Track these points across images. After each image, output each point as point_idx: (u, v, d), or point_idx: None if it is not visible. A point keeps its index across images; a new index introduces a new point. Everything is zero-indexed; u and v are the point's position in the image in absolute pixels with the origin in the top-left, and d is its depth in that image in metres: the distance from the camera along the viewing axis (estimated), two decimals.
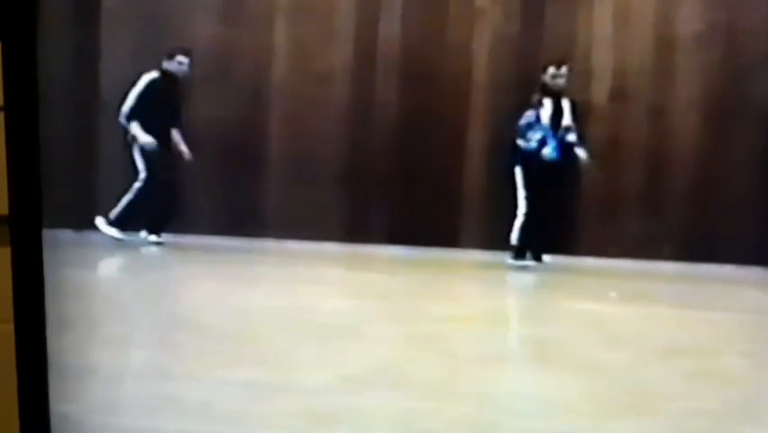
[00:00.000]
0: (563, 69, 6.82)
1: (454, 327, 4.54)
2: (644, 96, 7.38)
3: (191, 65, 7.00)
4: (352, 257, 7.07)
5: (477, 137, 7.38)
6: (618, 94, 7.36)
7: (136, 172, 6.91)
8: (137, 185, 6.87)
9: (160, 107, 6.89)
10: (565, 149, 6.74)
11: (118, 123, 6.93)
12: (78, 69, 6.56)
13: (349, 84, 7.54)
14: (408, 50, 7.46)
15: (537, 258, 6.81)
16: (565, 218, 6.97)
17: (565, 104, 6.78)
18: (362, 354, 3.87)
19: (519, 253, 6.76)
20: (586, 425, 3.05)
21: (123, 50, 6.97)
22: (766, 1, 7.34)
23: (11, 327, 1.97)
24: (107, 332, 3.77)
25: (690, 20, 7.27)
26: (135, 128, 6.84)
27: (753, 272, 6.63)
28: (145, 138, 6.83)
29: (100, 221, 6.73)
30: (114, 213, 6.75)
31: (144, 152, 6.87)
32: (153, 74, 6.92)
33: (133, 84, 6.87)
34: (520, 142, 6.75)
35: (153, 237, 6.86)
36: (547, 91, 6.78)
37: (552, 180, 6.72)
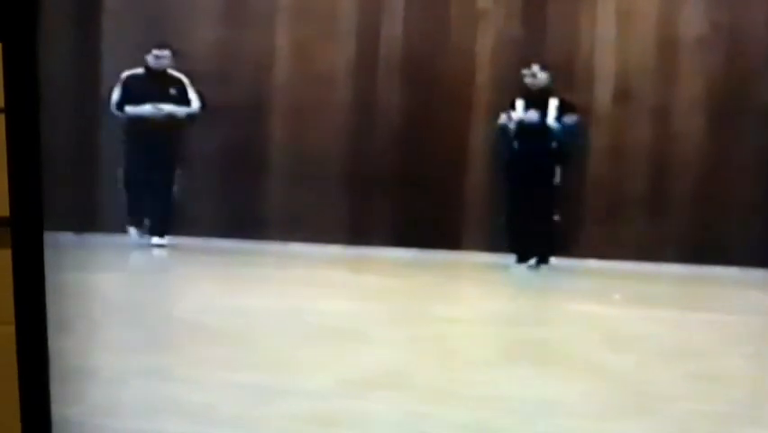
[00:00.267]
0: (533, 69, 6.80)
1: (457, 330, 4.53)
2: (647, 98, 7.36)
3: (172, 57, 6.91)
4: (355, 259, 7.06)
5: (480, 138, 7.37)
6: (621, 95, 7.35)
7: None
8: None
9: (144, 102, 6.89)
10: (549, 153, 6.69)
11: (120, 123, 6.92)
12: (79, 70, 6.56)
13: (351, 85, 7.53)
14: (410, 51, 7.45)
15: (542, 260, 6.79)
16: (546, 220, 6.90)
17: (552, 104, 6.73)
18: (365, 356, 3.86)
19: (521, 255, 6.76)
20: (589, 427, 3.04)
21: (124, 52, 6.96)
22: None
23: (12, 329, 1.97)
24: (108, 334, 3.77)
25: (693, 21, 7.25)
26: (132, 109, 6.86)
27: (757, 274, 6.61)
28: (147, 108, 6.84)
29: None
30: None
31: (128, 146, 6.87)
32: (134, 70, 6.93)
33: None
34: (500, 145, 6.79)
35: (156, 239, 6.86)
36: (526, 92, 6.79)
37: (534, 180, 6.70)
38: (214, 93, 7.30)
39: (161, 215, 6.98)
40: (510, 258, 6.82)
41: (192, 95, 7.03)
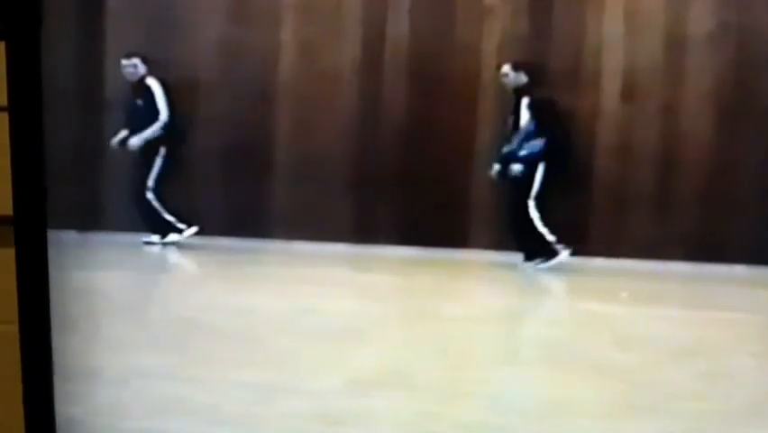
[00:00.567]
0: (504, 69, 6.79)
1: (464, 329, 4.52)
2: (654, 96, 7.34)
3: (139, 65, 6.88)
4: (360, 258, 7.05)
5: (486, 137, 7.35)
6: (629, 93, 7.33)
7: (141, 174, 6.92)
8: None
9: (129, 116, 6.88)
10: (526, 161, 6.66)
11: (124, 123, 6.91)
12: (83, 69, 6.56)
13: (356, 84, 7.52)
14: (416, 49, 7.44)
15: (548, 256, 6.77)
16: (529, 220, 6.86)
17: (524, 103, 6.70)
18: (371, 355, 3.85)
19: (528, 254, 6.75)
20: (596, 426, 3.03)
21: (127, 51, 6.96)
22: None
23: (15, 329, 1.96)
24: (113, 333, 3.76)
25: (701, 19, 7.23)
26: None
27: (765, 272, 6.59)
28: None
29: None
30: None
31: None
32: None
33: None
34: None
35: (155, 238, 6.84)
36: (512, 94, 6.79)
37: (513, 181, 6.69)
38: (218, 92, 7.30)
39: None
40: (517, 256, 6.82)
41: (161, 104, 6.92)
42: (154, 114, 6.88)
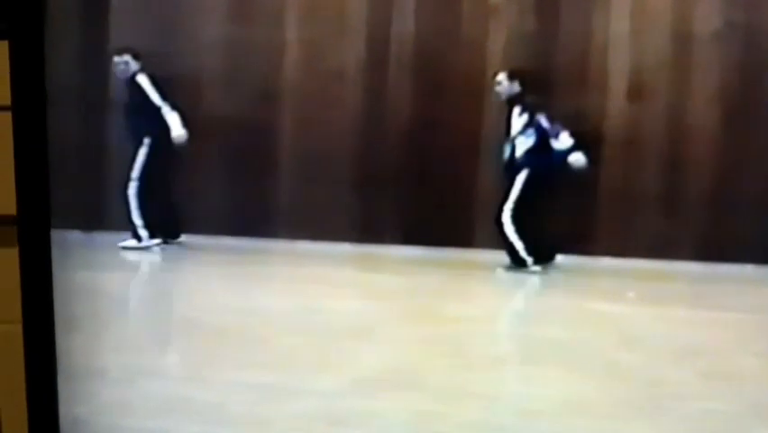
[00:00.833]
0: (499, 77, 6.76)
1: (468, 328, 4.51)
2: (661, 95, 7.32)
3: (130, 62, 6.70)
4: (365, 258, 7.04)
5: (491, 136, 7.34)
6: (635, 92, 7.31)
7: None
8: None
9: (126, 113, 6.78)
10: (515, 163, 6.64)
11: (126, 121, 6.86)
12: (86, 67, 6.55)
13: (361, 83, 7.51)
14: (422, 48, 7.42)
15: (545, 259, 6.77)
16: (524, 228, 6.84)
17: (515, 112, 6.68)
18: (375, 355, 3.84)
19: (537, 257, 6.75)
20: (603, 426, 3.02)
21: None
22: None
23: (19, 328, 1.96)
24: (116, 333, 3.76)
25: (708, 18, 7.21)
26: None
27: None
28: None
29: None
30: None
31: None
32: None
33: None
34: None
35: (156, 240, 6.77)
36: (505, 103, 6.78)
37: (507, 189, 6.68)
38: (221, 91, 7.29)
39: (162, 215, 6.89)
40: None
41: (154, 96, 6.83)
42: (148, 110, 6.79)
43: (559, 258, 6.82)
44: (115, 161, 7.00)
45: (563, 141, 6.64)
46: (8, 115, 1.90)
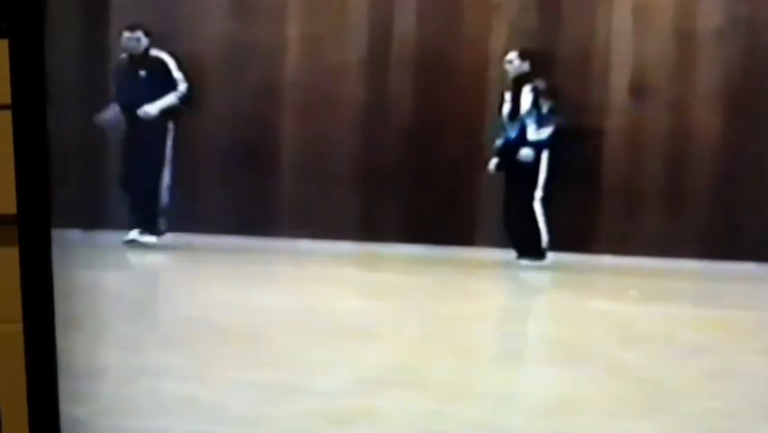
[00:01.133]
0: (510, 56, 6.73)
1: (470, 327, 4.50)
2: (664, 91, 7.30)
3: (142, 38, 6.65)
4: (366, 256, 7.03)
5: (493, 139, 7.33)
6: (638, 88, 7.30)
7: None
8: None
9: (126, 89, 6.67)
10: (536, 147, 6.60)
11: (116, 97, 6.78)
12: (86, 66, 6.53)
13: (362, 80, 7.49)
14: (423, 44, 7.41)
15: (522, 254, 6.75)
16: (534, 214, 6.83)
17: (525, 91, 6.65)
18: (377, 354, 3.83)
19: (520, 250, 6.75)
20: (605, 425, 3.01)
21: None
22: None
23: (19, 328, 1.96)
24: (117, 332, 3.75)
25: (711, 14, 7.19)
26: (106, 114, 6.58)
27: None
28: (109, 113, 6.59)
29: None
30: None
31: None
32: (119, 57, 6.69)
33: None
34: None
35: (133, 235, 6.68)
36: (510, 83, 6.72)
37: (515, 171, 6.64)
38: (222, 88, 7.28)
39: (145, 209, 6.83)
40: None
41: (177, 74, 6.80)
42: (164, 85, 6.75)
43: (561, 256, 6.82)
44: (116, 160, 6.99)
45: (541, 133, 6.63)
46: (8, 114, 1.89)
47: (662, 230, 7.20)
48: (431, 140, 7.36)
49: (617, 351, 4.06)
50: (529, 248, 6.64)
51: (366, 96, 7.48)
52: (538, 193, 6.65)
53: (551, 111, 6.64)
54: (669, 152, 7.34)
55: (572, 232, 6.95)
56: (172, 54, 6.82)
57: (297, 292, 5.25)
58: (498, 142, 6.77)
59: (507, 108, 6.76)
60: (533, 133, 6.55)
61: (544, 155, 6.61)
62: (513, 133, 6.65)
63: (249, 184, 7.38)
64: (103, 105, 6.86)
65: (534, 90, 6.59)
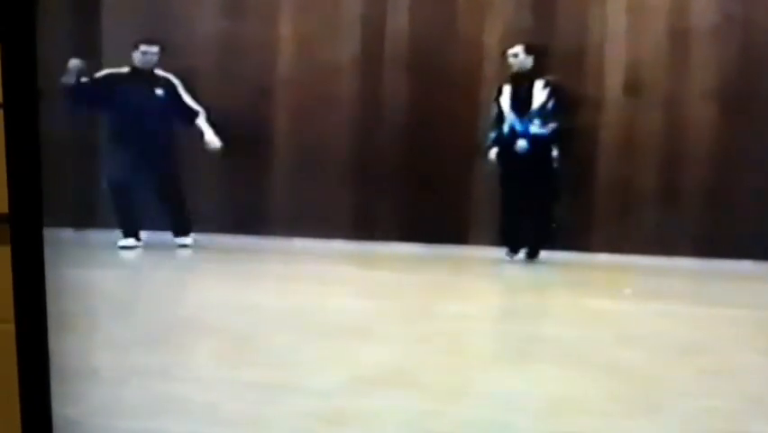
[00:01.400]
0: (515, 49, 6.72)
1: (466, 326, 4.49)
2: (658, 90, 7.31)
3: (159, 54, 6.61)
4: (361, 255, 7.03)
5: (487, 131, 7.33)
6: (632, 87, 7.30)
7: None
8: None
9: (128, 104, 6.56)
10: (534, 141, 6.61)
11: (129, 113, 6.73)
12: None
13: (356, 78, 7.49)
14: (417, 42, 7.40)
15: (531, 255, 6.77)
16: (547, 210, 6.86)
17: (537, 86, 6.64)
18: (373, 353, 3.82)
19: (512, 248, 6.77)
20: (601, 424, 3.00)
21: (124, 46, 6.88)
22: None
23: (11, 328, 1.94)
24: (110, 332, 3.74)
25: (706, 12, 7.20)
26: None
27: None
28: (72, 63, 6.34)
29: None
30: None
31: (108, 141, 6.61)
32: (116, 69, 6.57)
33: None
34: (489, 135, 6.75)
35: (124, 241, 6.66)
36: (511, 77, 6.72)
37: (528, 174, 6.64)
38: (216, 87, 7.25)
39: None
40: (519, 253, 6.81)
41: (187, 98, 6.77)
42: (174, 107, 6.71)
43: (557, 254, 6.82)
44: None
45: (546, 128, 6.63)
46: (0, 113, 1.88)
47: (657, 228, 7.21)
48: (425, 138, 7.36)
49: (612, 349, 4.05)
50: (535, 246, 6.70)
51: (360, 95, 7.47)
52: (549, 190, 6.69)
53: (557, 107, 6.63)
54: (664, 150, 7.35)
55: (568, 230, 6.96)
56: (176, 75, 6.77)
57: (292, 291, 5.24)
58: (492, 134, 6.77)
59: (507, 102, 6.73)
60: (535, 128, 6.53)
61: (554, 152, 6.62)
62: (520, 127, 6.64)
63: (242, 183, 7.37)
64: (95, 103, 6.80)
65: (549, 85, 6.58)
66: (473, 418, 3.01)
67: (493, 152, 6.78)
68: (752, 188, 7.07)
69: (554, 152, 6.63)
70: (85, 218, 6.30)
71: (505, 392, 3.31)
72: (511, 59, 6.73)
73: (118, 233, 6.61)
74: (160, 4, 7.35)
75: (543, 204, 6.79)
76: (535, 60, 6.71)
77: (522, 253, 6.78)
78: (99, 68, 6.85)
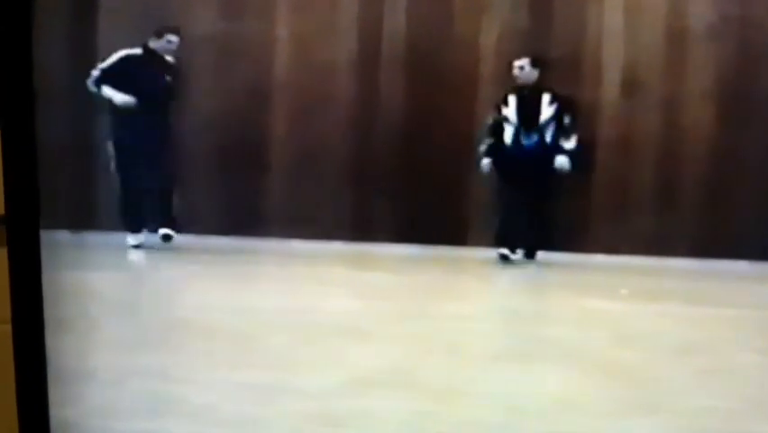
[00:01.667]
0: (521, 62, 6.72)
1: (463, 327, 4.49)
2: (655, 90, 7.32)
3: (180, 45, 6.75)
4: (358, 256, 7.02)
5: (481, 139, 7.32)
6: (629, 87, 7.30)
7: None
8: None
9: (139, 85, 6.64)
10: (547, 149, 6.63)
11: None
12: (75, 65, 6.50)
13: (353, 79, 7.48)
14: (413, 43, 7.40)
15: (529, 255, 6.77)
16: (547, 216, 6.88)
17: (545, 100, 6.67)
18: (370, 354, 3.82)
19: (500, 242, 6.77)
20: (598, 424, 3.00)
21: (120, 46, 6.87)
22: None
23: (8, 329, 1.93)
24: (107, 334, 3.73)
25: (702, 11, 7.20)
26: (108, 90, 6.58)
27: (766, 268, 6.57)
28: (121, 97, 6.58)
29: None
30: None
31: (116, 138, 6.71)
32: (130, 50, 6.70)
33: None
34: (485, 143, 6.75)
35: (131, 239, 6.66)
36: (515, 88, 6.73)
37: (527, 177, 6.65)
38: (212, 88, 7.24)
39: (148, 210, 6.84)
40: (517, 254, 6.81)
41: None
42: (176, 89, 6.81)
43: (553, 255, 6.82)
44: (104, 161, 6.94)
45: (571, 142, 6.68)
46: None
47: (654, 229, 7.21)
48: (422, 139, 7.35)
49: (609, 350, 4.05)
50: (533, 247, 6.72)
51: (357, 96, 7.47)
52: (549, 194, 6.72)
53: (573, 121, 6.66)
54: (661, 151, 7.35)
55: (564, 231, 6.96)
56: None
57: (288, 292, 5.23)
58: (486, 144, 6.78)
59: (513, 114, 6.71)
60: (566, 143, 6.56)
61: (564, 161, 6.65)
62: (528, 140, 6.65)
63: (239, 184, 7.36)
64: (90, 105, 6.79)
65: (556, 99, 6.61)
66: (470, 418, 3.00)
67: (486, 163, 6.75)
68: (748, 189, 7.08)
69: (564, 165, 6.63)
70: (82, 220, 6.29)
71: (502, 393, 3.31)
72: (516, 72, 6.72)
73: (116, 235, 6.61)
74: (155, 4, 7.34)
75: (541, 205, 6.80)
76: (541, 73, 6.72)
77: (519, 254, 6.79)
78: (95, 65, 6.84)
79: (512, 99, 6.73)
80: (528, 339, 4.39)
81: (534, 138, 6.65)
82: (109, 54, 6.82)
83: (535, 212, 6.73)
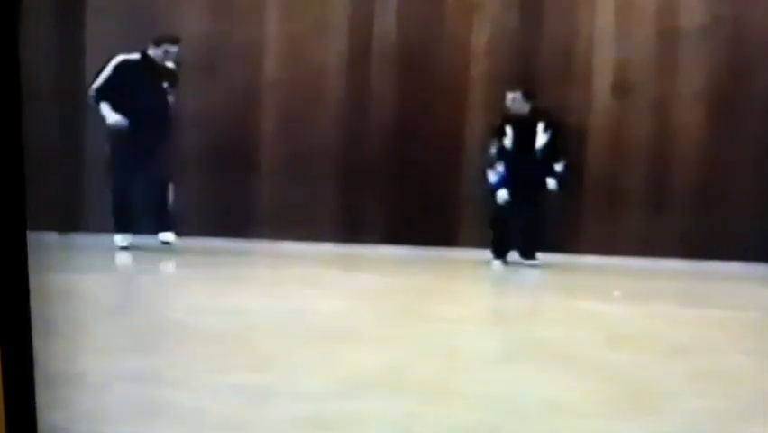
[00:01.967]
0: (514, 94, 6.79)
1: (455, 328, 4.48)
2: (647, 91, 7.32)
3: (178, 53, 6.72)
4: (349, 258, 7.01)
5: (475, 132, 7.32)
6: (621, 88, 7.31)
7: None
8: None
9: (137, 93, 6.60)
10: (541, 170, 6.72)
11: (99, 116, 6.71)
12: (63, 65, 6.46)
13: (343, 79, 7.46)
14: (404, 43, 7.39)
15: (527, 257, 6.78)
16: (542, 218, 6.91)
17: (539, 128, 6.76)
18: (361, 357, 3.80)
19: (498, 252, 6.80)
20: (590, 426, 2.99)
21: (109, 47, 6.84)
22: None
23: None
24: (95, 337, 3.70)
25: (694, 12, 7.21)
26: (104, 108, 6.55)
27: (758, 269, 6.59)
28: (113, 117, 6.55)
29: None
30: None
31: (113, 139, 6.69)
32: (127, 56, 6.65)
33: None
34: (489, 172, 6.82)
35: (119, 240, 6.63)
36: (510, 117, 6.79)
37: (524, 195, 6.72)
38: (201, 88, 7.21)
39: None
40: (512, 255, 6.82)
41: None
42: (173, 96, 6.80)
43: (545, 256, 6.82)
44: (92, 162, 6.91)
45: (562, 167, 6.81)
46: None
47: (646, 230, 7.21)
48: (413, 139, 7.35)
49: (601, 351, 4.05)
50: (532, 249, 6.76)
51: (347, 97, 7.45)
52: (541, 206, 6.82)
53: (564, 145, 6.77)
54: (653, 152, 7.36)
55: (556, 232, 6.96)
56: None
57: (280, 295, 5.22)
58: (498, 174, 6.84)
59: (510, 142, 6.80)
60: (557, 165, 6.75)
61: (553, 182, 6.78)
62: (524, 165, 6.76)
63: (229, 186, 7.33)
64: (81, 105, 6.75)
65: (550, 126, 6.70)
66: (462, 420, 2.99)
67: (503, 194, 6.79)
68: (740, 190, 7.09)
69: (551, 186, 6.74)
70: (69, 222, 6.25)
71: (493, 395, 3.30)
72: (509, 103, 6.79)
73: (104, 236, 6.56)
74: (144, 4, 7.30)
75: (536, 209, 6.84)
76: (533, 104, 6.80)
77: (512, 256, 6.81)
78: (83, 69, 6.81)
79: (509, 130, 6.80)
80: (520, 341, 4.39)
81: (530, 162, 6.76)
82: (97, 53, 6.78)
83: (529, 220, 6.81)
